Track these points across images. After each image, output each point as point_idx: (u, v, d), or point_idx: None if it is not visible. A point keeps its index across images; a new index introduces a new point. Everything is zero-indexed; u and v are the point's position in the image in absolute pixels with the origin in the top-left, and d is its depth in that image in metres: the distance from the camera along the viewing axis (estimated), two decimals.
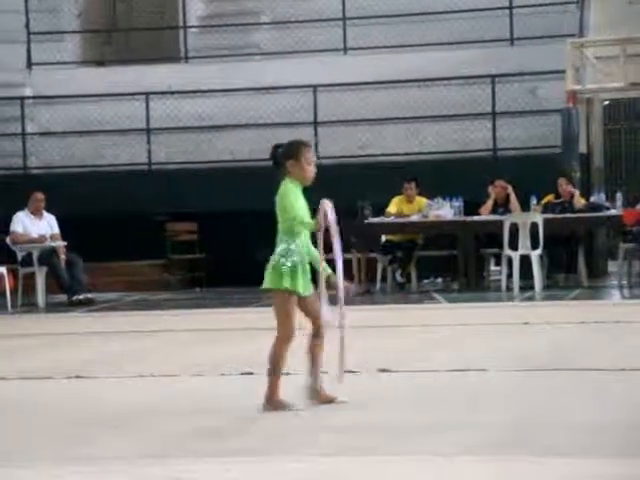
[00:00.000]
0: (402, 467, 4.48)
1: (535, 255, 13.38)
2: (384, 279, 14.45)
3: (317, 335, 5.80)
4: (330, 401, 5.79)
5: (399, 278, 14.51)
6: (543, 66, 15.36)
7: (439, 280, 15.19)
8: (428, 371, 7.08)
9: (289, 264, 5.69)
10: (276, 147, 5.98)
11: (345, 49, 16.86)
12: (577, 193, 14.14)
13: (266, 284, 5.75)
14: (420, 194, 14.50)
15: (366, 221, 14.19)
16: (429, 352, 8.12)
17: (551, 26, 15.93)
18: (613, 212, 13.72)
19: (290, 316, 5.71)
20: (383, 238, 14.71)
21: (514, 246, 13.44)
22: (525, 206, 13.92)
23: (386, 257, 14.48)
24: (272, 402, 5.73)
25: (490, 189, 14.27)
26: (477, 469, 4.38)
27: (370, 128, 16.27)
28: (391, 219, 14.36)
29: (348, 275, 14.32)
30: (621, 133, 18.04)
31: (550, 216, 13.63)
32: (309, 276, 5.80)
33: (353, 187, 15.05)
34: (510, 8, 16.26)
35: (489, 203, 14.23)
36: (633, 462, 4.41)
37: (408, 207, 14.54)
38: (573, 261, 14.24)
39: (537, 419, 5.46)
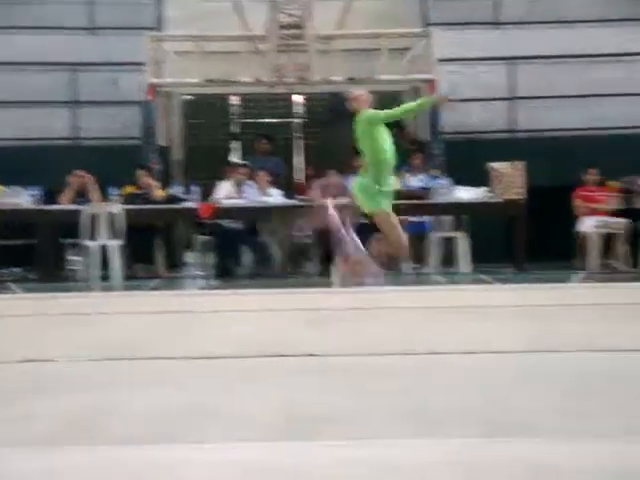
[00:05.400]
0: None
1: (114, 245, 13.47)
2: None
3: None
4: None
5: None
6: (124, 57, 15.48)
7: (17, 270, 14.88)
8: None
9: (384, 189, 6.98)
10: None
11: None
12: (156, 185, 14.39)
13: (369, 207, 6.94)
14: None
15: None
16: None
17: (131, 18, 16.09)
18: (190, 204, 14.11)
19: (395, 226, 7.16)
20: None
21: (95, 236, 13.48)
22: (105, 196, 13.98)
23: None
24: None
25: (70, 178, 14.20)
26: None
27: None
28: None
29: None
30: (201, 128, 18.52)
31: (130, 207, 13.78)
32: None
33: None
34: None
35: (69, 192, 14.15)
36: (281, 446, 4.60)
37: None
38: (152, 252, 14.50)
39: (103, 407, 5.53)
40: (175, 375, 6.55)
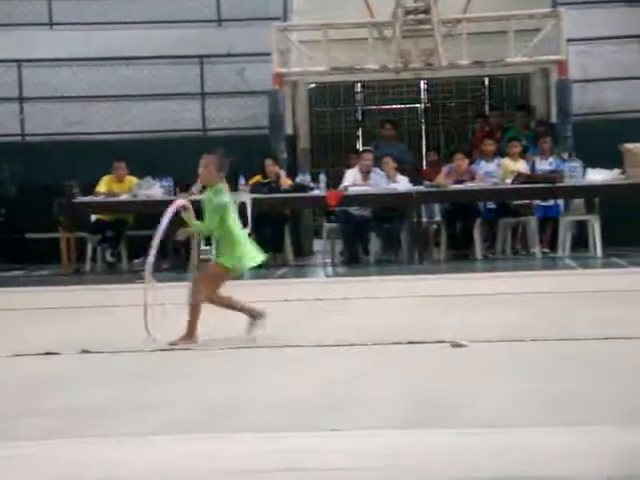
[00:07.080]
0: (95, 448, 4.48)
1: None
2: (94, 259, 14.31)
3: None
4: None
5: (109, 258, 14.41)
6: (250, 48, 15.63)
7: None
8: (130, 351, 7.13)
9: None
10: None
11: (51, 24, 16.48)
12: (283, 174, 14.48)
13: None
14: (130, 173, 14.45)
15: (75, 200, 14.00)
16: (132, 331, 8.13)
17: (257, 9, 16.22)
18: (317, 193, 14.13)
19: None
20: (93, 217, 14.57)
21: None
22: (234, 186, 14.11)
23: (96, 237, 14.35)
24: None
25: (200, 169, 14.36)
26: (174, 447, 4.46)
27: (79, 105, 16.03)
28: (101, 198, 14.26)
29: (56, 255, 14.14)
30: (326, 116, 18.58)
31: (258, 196, 13.89)
32: None
33: (62, 165, 14.81)
34: None
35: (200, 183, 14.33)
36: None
37: (118, 186, 14.47)
38: (280, 240, 14.58)
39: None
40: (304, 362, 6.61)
